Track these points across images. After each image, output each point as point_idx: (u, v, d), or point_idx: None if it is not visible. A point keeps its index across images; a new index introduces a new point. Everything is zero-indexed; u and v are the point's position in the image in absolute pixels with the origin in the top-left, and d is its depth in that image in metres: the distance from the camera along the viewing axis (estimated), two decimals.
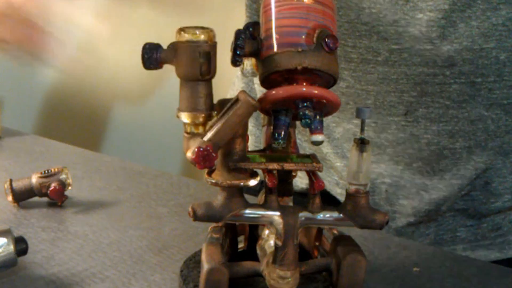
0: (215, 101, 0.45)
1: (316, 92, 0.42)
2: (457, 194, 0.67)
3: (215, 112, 0.44)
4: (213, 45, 0.44)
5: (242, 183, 0.43)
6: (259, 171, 0.44)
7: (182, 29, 0.43)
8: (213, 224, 0.48)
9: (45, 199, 0.64)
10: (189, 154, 0.41)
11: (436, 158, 0.66)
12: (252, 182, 0.43)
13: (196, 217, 0.44)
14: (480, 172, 0.66)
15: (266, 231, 0.48)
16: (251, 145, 0.75)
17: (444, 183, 0.66)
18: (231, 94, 0.84)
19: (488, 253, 0.69)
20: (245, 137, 0.44)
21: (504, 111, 0.64)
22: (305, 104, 0.41)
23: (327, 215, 0.45)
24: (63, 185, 0.63)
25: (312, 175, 0.44)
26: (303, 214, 0.44)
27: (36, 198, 0.65)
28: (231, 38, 0.43)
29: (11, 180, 0.63)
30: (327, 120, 0.63)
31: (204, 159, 0.40)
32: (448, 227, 0.69)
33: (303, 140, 0.72)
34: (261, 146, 0.49)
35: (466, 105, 0.63)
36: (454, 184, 0.66)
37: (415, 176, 0.67)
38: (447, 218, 0.69)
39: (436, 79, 0.62)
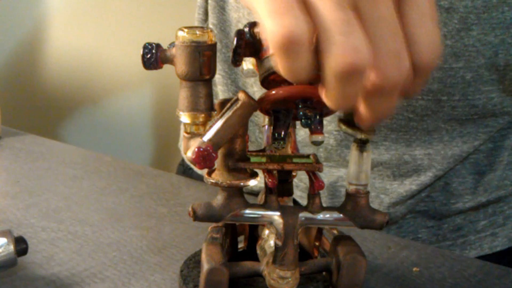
0: (215, 101, 0.45)
1: (316, 92, 0.42)
2: (417, 197, 0.68)
3: (215, 112, 0.44)
4: (213, 45, 0.44)
5: (242, 183, 0.43)
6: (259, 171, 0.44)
7: (182, 29, 0.43)
8: (213, 224, 0.48)
9: (44, 199, 0.64)
10: (189, 154, 0.41)
11: (396, 163, 0.66)
12: (252, 182, 0.43)
13: (196, 217, 0.44)
14: (441, 175, 0.67)
15: (266, 231, 0.48)
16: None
17: (404, 188, 0.67)
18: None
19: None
20: (245, 137, 0.44)
21: (459, 124, 0.65)
22: (305, 104, 0.41)
23: (327, 215, 0.45)
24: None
25: (312, 175, 0.44)
26: (303, 214, 0.44)
27: (36, 198, 0.65)
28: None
29: None
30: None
31: (204, 159, 0.40)
32: (409, 229, 0.69)
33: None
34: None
35: (427, 118, 0.64)
36: (413, 189, 0.67)
37: (375, 180, 0.67)
38: (408, 220, 0.69)
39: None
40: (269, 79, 0.43)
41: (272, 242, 0.46)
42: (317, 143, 0.43)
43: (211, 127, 0.41)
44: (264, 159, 0.45)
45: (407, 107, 0.64)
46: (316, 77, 0.43)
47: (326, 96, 0.37)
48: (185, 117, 0.44)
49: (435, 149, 0.66)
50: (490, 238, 0.69)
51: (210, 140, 0.41)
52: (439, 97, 0.63)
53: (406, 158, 0.66)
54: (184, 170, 0.83)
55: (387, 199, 0.67)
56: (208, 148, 0.40)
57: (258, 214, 0.44)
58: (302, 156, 0.46)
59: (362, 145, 0.44)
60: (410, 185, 0.67)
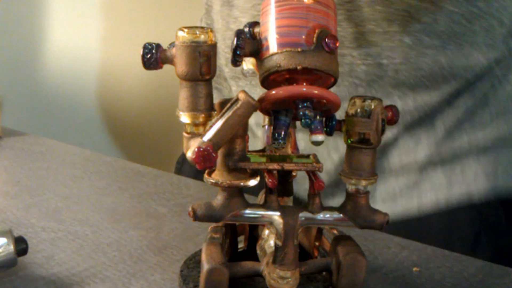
0: (215, 101, 0.45)
1: (316, 92, 0.42)
2: None
3: (215, 112, 0.44)
4: (213, 45, 0.44)
5: (242, 183, 0.43)
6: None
7: (182, 29, 0.43)
8: (213, 224, 0.48)
9: (44, 199, 0.64)
10: (189, 154, 0.41)
11: None
12: (252, 182, 0.43)
13: (196, 217, 0.44)
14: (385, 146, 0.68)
15: (266, 231, 0.48)
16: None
17: None
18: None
19: None
20: (245, 137, 0.44)
21: (411, 90, 0.65)
22: (305, 104, 0.41)
23: (327, 215, 0.45)
24: None
25: (312, 175, 0.44)
26: (303, 214, 0.44)
27: (36, 198, 0.65)
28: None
29: None
30: None
31: (204, 159, 0.40)
32: None
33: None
34: None
35: (374, 84, 0.65)
36: None
37: (329, 141, 0.67)
38: None
39: (345, 59, 0.65)
40: (269, 79, 0.43)
41: (272, 242, 0.46)
42: (317, 143, 0.43)
43: (211, 127, 0.41)
44: (264, 159, 0.45)
45: (350, 72, 0.65)
46: (316, 77, 0.43)
47: None
48: (185, 117, 0.44)
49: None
50: (447, 192, 0.69)
51: (210, 140, 0.41)
52: (379, 61, 0.64)
53: None
54: (180, 168, 0.84)
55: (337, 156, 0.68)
56: (208, 148, 0.40)
57: (258, 214, 0.44)
58: (302, 156, 0.46)
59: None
60: None
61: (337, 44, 0.42)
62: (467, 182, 0.69)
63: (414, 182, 0.70)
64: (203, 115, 0.44)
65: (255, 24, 0.45)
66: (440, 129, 0.69)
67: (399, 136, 0.69)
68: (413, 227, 0.68)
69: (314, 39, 0.42)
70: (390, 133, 0.69)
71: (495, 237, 0.69)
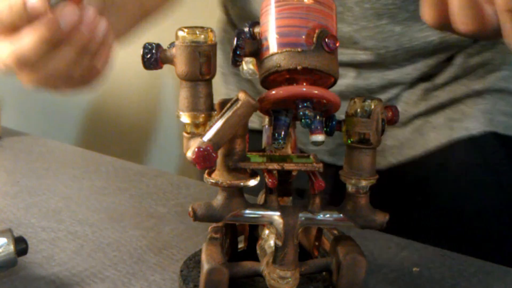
0: (215, 101, 0.45)
1: (316, 92, 0.42)
2: None
3: (215, 112, 0.44)
4: (213, 45, 0.44)
5: (242, 183, 0.43)
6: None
7: (182, 29, 0.43)
8: (213, 224, 0.48)
9: (44, 199, 0.64)
10: (189, 154, 0.41)
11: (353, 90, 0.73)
12: (252, 182, 0.43)
13: (196, 217, 0.44)
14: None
15: (266, 231, 0.48)
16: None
17: None
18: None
19: None
20: (245, 137, 0.44)
21: (408, 60, 0.71)
22: (305, 104, 0.41)
23: (327, 215, 0.45)
24: None
25: (312, 175, 0.44)
26: (303, 214, 0.44)
27: (36, 198, 0.65)
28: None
29: None
30: None
31: (204, 159, 0.40)
32: None
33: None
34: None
35: (374, 65, 0.71)
36: None
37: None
38: None
39: (342, 55, 0.69)
40: (269, 79, 0.43)
41: (272, 242, 0.46)
42: (317, 143, 0.43)
43: (211, 127, 0.41)
44: (264, 159, 0.45)
45: (350, 62, 0.70)
46: (316, 77, 0.43)
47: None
48: (185, 117, 0.44)
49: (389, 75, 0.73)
50: (449, 132, 0.73)
51: (210, 140, 0.41)
52: (377, 52, 0.69)
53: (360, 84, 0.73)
54: None
55: None
56: (208, 148, 0.40)
57: (258, 214, 0.44)
58: (302, 156, 0.46)
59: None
60: None
61: (337, 44, 0.42)
62: (465, 121, 0.73)
63: (417, 128, 0.74)
64: (203, 115, 0.44)
65: (255, 24, 0.45)
66: (439, 80, 0.73)
67: (402, 91, 0.74)
68: (418, 169, 0.73)
69: (314, 39, 0.42)
70: (394, 90, 0.74)
71: (495, 170, 0.73)
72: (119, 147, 1.62)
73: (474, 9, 0.43)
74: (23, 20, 0.46)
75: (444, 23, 0.45)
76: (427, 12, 0.46)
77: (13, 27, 0.47)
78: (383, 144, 0.74)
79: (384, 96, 0.74)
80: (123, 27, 0.66)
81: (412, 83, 0.74)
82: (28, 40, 0.46)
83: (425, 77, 0.74)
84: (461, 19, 0.44)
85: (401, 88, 0.74)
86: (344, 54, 0.70)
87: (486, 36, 0.45)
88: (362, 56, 0.70)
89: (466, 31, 0.44)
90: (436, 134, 0.73)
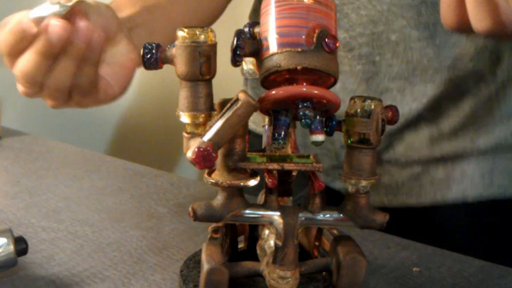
0: (215, 101, 0.45)
1: (316, 92, 0.42)
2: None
3: (215, 112, 0.44)
4: (213, 45, 0.44)
5: (242, 183, 0.43)
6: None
7: (182, 29, 0.43)
8: (213, 224, 0.48)
9: (44, 199, 0.64)
10: (189, 154, 0.41)
11: None
12: (252, 182, 0.43)
13: (196, 217, 0.44)
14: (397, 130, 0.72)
15: (266, 231, 0.48)
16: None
17: None
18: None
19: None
20: (245, 137, 0.44)
21: (408, 82, 0.68)
22: (305, 104, 0.41)
23: (327, 215, 0.45)
24: None
25: (312, 175, 0.44)
26: (303, 214, 0.44)
27: (36, 198, 0.65)
28: (231, 37, 0.43)
29: None
30: None
31: (204, 159, 0.40)
32: None
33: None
34: None
35: (372, 81, 0.69)
36: None
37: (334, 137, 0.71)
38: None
39: (341, 64, 0.68)
40: (269, 79, 0.43)
41: (272, 242, 0.46)
42: (317, 143, 0.43)
43: (211, 127, 0.41)
44: (264, 159, 0.45)
45: (347, 73, 0.69)
46: (316, 77, 0.43)
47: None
48: (185, 117, 0.44)
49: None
50: (445, 191, 0.72)
51: (210, 140, 0.41)
52: (372, 59, 0.68)
53: None
54: None
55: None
56: (208, 148, 0.40)
57: (258, 214, 0.44)
58: (302, 156, 0.46)
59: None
60: None
61: (337, 44, 0.42)
62: (464, 182, 0.71)
63: (416, 175, 0.72)
64: (203, 115, 0.44)
65: (255, 24, 0.45)
66: (444, 127, 0.70)
67: (404, 129, 0.71)
68: (411, 219, 0.71)
69: (314, 39, 0.42)
70: (394, 126, 0.70)
71: (489, 237, 0.71)
72: (119, 147, 1.62)
73: (489, 5, 0.43)
74: (25, 40, 0.52)
75: (464, 25, 0.45)
76: (446, 16, 0.46)
77: (20, 51, 0.53)
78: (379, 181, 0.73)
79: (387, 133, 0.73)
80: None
81: (416, 121, 0.70)
82: (28, 57, 0.53)
83: (428, 117, 0.70)
84: (476, 16, 0.44)
85: (404, 123, 0.71)
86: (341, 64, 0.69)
87: (506, 35, 0.44)
88: (357, 66, 0.69)
89: (483, 30, 0.44)
90: (434, 189, 0.72)
